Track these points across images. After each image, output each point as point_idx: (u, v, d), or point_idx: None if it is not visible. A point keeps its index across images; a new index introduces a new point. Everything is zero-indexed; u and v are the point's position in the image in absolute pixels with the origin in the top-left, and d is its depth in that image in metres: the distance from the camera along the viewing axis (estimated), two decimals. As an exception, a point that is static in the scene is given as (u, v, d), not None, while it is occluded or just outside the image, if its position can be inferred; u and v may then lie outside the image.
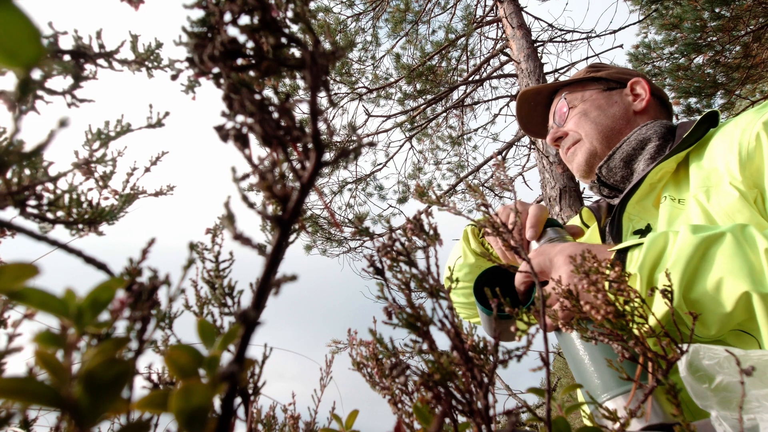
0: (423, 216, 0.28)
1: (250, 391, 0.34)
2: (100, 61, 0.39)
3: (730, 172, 0.75)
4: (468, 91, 5.29)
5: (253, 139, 0.16)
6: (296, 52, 0.17)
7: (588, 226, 1.05)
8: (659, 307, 0.57)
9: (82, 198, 0.43)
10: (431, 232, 0.27)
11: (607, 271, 0.40)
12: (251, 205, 0.14)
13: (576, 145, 1.05)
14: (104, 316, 0.15)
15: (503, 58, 5.07)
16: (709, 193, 0.77)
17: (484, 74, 5.25)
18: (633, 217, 0.92)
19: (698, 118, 0.94)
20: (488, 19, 5.31)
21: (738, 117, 0.83)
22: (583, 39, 5.07)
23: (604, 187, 1.04)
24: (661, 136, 0.95)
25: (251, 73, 0.17)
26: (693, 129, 0.87)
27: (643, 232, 0.88)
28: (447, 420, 0.21)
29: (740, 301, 0.53)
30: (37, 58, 0.11)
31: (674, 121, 1.08)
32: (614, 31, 4.82)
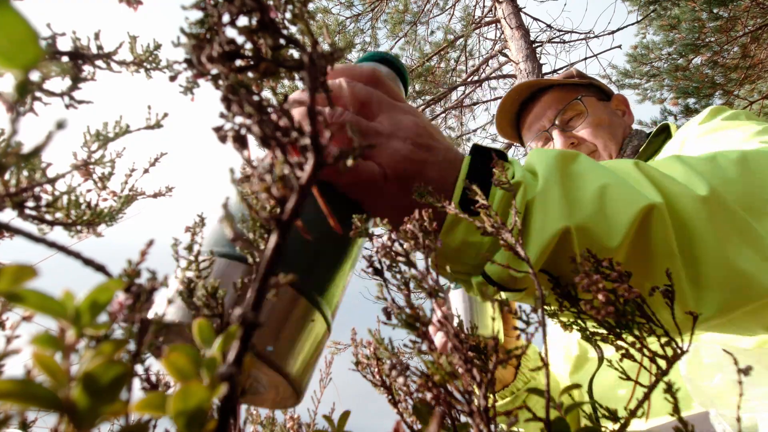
0: (424, 215, 0.28)
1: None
2: (99, 62, 0.39)
3: None
4: (467, 91, 5.30)
5: (252, 140, 0.17)
6: (295, 53, 0.17)
7: None
8: None
9: (81, 199, 0.43)
10: (431, 233, 0.27)
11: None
12: (250, 206, 0.14)
13: (591, 156, 0.96)
14: (103, 317, 0.15)
15: (502, 58, 5.08)
16: None
17: (483, 75, 5.26)
18: None
19: (653, 130, 0.96)
20: (487, 20, 5.32)
21: (677, 133, 0.83)
22: (582, 40, 5.08)
23: None
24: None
25: (250, 74, 0.17)
26: (648, 142, 0.89)
27: None
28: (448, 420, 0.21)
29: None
30: (36, 60, 0.11)
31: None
32: (613, 32, 4.83)
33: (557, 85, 1.02)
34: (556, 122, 0.99)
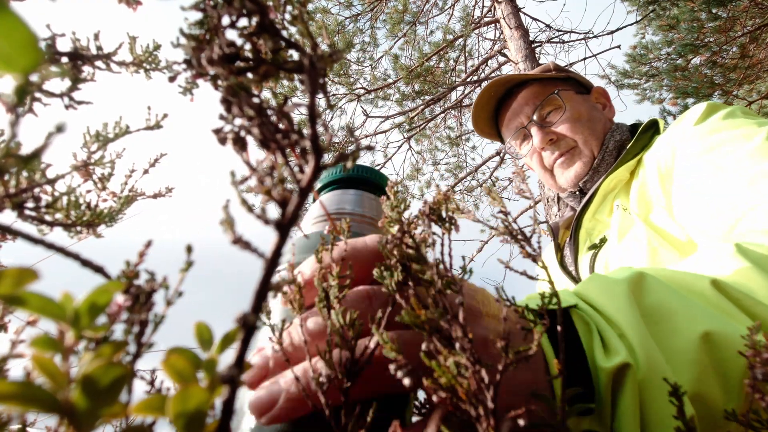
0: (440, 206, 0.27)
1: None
2: (98, 63, 0.39)
3: (657, 191, 0.75)
4: (466, 91, 5.30)
5: (251, 141, 0.17)
6: (294, 54, 0.17)
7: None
8: None
9: (81, 200, 0.43)
10: (447, 223, 0.27)
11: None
12: (250, 209, 0.14)
13: (571, 152, 0.93)
14: (102, 319, 0.15)
15: (501, 59, 5.08)
16: (648, 209, 0.76)
17: (483, 75, 5.26)
18: (591, 232, 0.89)
19: (636, 123, 0.93)
20: (486, 20, 5.32)
21: (666, 131, 0.81)
22: (581, 40, 5.09)
23: (579, 198, 0.96)
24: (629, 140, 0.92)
25: (249, 75, 0.17)
26: (636, 139, 0.85)
27: (597, 246, 0.84)
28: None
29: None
30: (35, 63, 0.11)
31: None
32: (612, 32, 4.83)
33: (534, 79, 0.97)
34: (534, 118, 0.95)
